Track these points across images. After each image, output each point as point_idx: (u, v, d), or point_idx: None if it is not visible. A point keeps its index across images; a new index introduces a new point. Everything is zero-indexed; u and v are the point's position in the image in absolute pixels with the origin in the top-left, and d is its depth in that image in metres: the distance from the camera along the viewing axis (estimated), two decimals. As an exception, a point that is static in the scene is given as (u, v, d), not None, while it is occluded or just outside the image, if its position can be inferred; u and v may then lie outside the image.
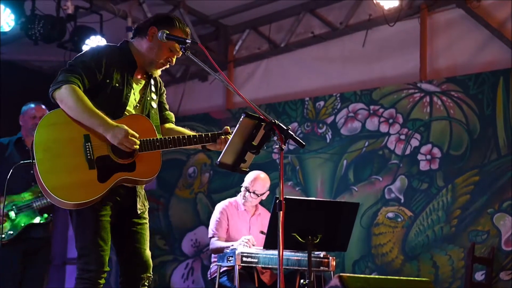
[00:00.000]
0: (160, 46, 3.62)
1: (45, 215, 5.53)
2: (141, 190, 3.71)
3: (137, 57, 3.67)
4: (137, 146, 3.44)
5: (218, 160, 3.37)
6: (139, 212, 3.65)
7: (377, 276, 6.18)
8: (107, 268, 3.51)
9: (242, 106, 8.46)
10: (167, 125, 3.89)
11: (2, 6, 6.46)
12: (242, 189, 6.04)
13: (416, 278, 6.10)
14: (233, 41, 8.72)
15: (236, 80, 8.62)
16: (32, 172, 5.63)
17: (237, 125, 3.35)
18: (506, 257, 6.49)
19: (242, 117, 3.34)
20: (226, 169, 3.45)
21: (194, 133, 3.73)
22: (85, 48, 7.03)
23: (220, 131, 3.68)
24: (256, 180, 5.97)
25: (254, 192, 5.94)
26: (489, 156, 6.73)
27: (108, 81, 3.54)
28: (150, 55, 3.65)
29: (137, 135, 3.45)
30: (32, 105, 5.91)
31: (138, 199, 3.65)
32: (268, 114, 3.43)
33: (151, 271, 3.68)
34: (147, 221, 3.73)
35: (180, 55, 3.67)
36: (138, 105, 3.68)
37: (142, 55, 3.67)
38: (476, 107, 6.89)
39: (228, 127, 3.61)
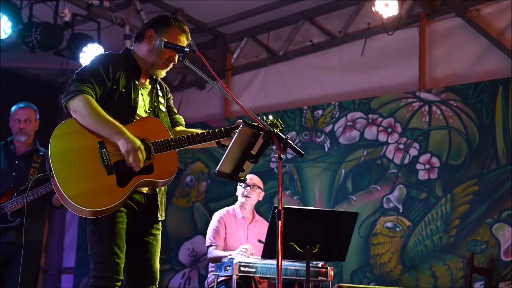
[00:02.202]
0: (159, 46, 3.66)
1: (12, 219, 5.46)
2: (162, 198, 3.71)
3: (140, 62, 3.71)
4: (141, 165, 3.41)
5: (217, 169, 3.35)
6: (159, 219, 3.68)
7: (375, 287, 6.16)
8: (121, 277, 3.49)
9: (240, 115, 8.43)
10: (178, 128, 3.94)
11: (-1, 13, 6.44)
12: (240, 186, 5.98)
13: (415, 289, 6.07)
14: (231, 49, 8.71)
15: (234, 89, 8.60)
16: (14, 174, 5.63)
17: (236, 134, 3.33)
18: (505, 267, 6.45)
19: (241, 126, 3.32)
20: (225, 178, 3.43)
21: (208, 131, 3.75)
22: (82, 55, 7.02)
23: (233, 125, 3.68)
24: (253, 177, 5.97)
25: (253, 185, 5.90)
26: (488, 165, 6.70)
27: (115, 87, 3.56)
28: (151, 57, 3.69)
29: (144, 157, 3.43)
30: (18, 107, 5.85)
31: (160, 207, 3.67)
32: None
33: (157, 284, 3.67)
34: (160, 232, 3.76)
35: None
36: (149, 111, 3.70)
37: (143, 59, 3.71)
38: (475, 117, 6.86)
39: (241, 120, 3.53)
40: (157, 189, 3.64)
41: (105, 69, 3.54)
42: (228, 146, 3.44)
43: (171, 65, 3.73)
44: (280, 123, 3.86)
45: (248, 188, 5.95)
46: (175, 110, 3.99)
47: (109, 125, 3.41)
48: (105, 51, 6.96)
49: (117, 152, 3.42)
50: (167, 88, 3.97)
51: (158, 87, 3.82)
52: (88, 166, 3.39)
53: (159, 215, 3.68)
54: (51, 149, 3.38)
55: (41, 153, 5.75)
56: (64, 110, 3.50)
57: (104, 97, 3.53)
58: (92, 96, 3.45)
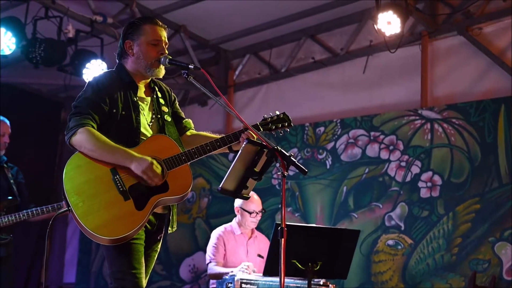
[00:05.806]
0: (142, 49, 3.64)
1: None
2: (174, 209, 3.69)
3: (134, 75, 3.69)
4: (161, 179, 3.43)
5: (220, 186, 3.34)
6: (170, 232, 3.67)
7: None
8: None
9: (242, 131, 8.42)
10: (189, 133, 3.90)
11: (3, 30, 6.48)
12: (238, 211, 5.99)
13: (417, 307, 6.04)
14: (233, 65, 8.73)
15: (236, 105, 8.61)
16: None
17: (239, 151, 3.33)
18: (507, 286, 6.42)
19: (245, 143, 3.33)
20: (228, 195, 3.42)
21: (217, 136, 3.74)
22: (85, 71, 7.04)
23: (240, 129, 3.67)
24: (251, 201, 5.94)
25: (252, 212, 5.89)
26: (490, 184, 6.68)
27: (114, 110, 3.55)
28: (141, 64, 3.66)
29: (160, 170, 3.43)
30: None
31: (172, 218, 3.66)
32: (268, 139, 3.40)
33: None
34: (156, 254, 3.74)
35: (163, 40, 3.66)
36: (151, 123, 3.67)
37: (136, 70, 3.69)
38: (477, 135, 6.86)
39: (246, 124, 3.53)
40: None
41: (99, 94, 3.53)
42: (239, 150, 3.42)
43: (162, 59, 3.64)
44: (287, 116, 3.85)
45: (257, 214, 5.95)
46: (183, 114, 3.95)
47: (117, 152, 3.41)
48: (108, 67, 7.03)
49: (130, 177, 3.43)
50: (169, 90, 3.91)
51: (160, 95, 3.78)
52: (104, 195, 3.39)
53: (169, 229, 3.67)
54: (65, 185, 3.39)
55: (5, 165, 5.74)
56: (70, 147, 3.49)
57: (106, 123, 3.52)
58: (93, 127, 3.45)
